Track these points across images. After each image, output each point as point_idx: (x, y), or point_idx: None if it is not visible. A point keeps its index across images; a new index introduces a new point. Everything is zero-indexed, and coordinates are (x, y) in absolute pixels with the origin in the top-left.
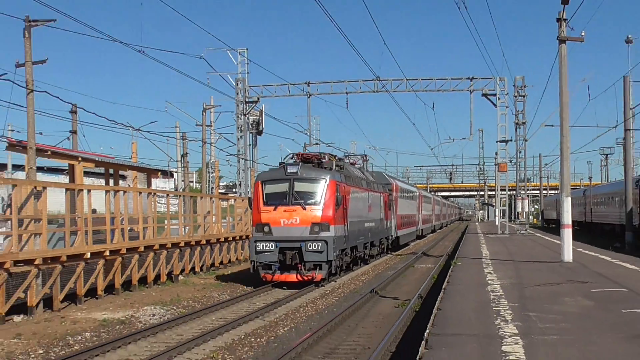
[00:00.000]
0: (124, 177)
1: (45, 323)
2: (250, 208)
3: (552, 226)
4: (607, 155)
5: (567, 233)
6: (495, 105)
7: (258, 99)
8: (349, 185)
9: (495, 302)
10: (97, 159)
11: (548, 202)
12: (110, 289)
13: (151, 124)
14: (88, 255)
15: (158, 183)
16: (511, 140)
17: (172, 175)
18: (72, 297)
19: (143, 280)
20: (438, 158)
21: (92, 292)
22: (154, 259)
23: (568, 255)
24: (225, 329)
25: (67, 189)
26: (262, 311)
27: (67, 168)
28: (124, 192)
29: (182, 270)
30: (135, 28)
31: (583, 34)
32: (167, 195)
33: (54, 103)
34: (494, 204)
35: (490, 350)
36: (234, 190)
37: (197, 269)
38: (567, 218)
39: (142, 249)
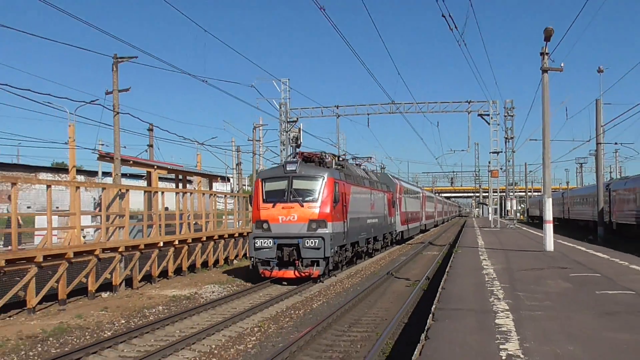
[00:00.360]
0: (190, 182)
1: (127, 298)
2: (251, 205)
3: (536, 222)
4: (581, 164)
5: (549, 227)
6: (488, 124)
7: (297, 119)
8: (349, 183)
9: (490, 283)
10: (169, 167)
11: (532, 202)
12: (178, 271)
13: (212, 139)
14: (161, 244)
15: (217, 186)
16: (501, 152)
17: (228, 180)
18: (148, 278)
19: (205, 264)
20: (441, 166)
21: (163, 274)
22: (214, 247)
23: (550, 246)
24: (270, 304)
25: (145, 191)
26: (300, 288)
27: (145, 174)
28: (190, 193)
29: (237, 256)
30: (200, 62)
31: (562, 65)
32: (225, 196)
33: (135, 122)
34: (487, 204)
35: (486, 322)
36: None
37: (249, 255)
38: (549, 215)
39: (204, 239)
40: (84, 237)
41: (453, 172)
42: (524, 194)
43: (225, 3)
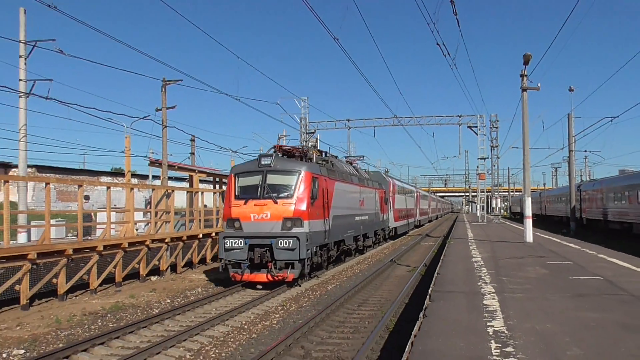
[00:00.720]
0: (225, 183)
1: (171, 281)
2: (224, 202)
3: (518, 217)
4: (556, 168)
5: (529, 222)
6: (476, 134)
7: (315, 130)
8: (332, 179)
9: (478, 269)
10: (208, 172)
11: (514, 200)
12: (215, 258)
13: (243, 148)
14: (200, 235)
15: None
16: (488, 158)
17: None
18: (189, 264)
19: None
20: (437, 170)
21: (202, 261)
22: None
23: (529, 238)
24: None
25: (187, 192)
26: (316, 272)
27: (188, 177)
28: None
29: None
30: (234, 83)
31: (539, 85)
32: None
33: (179, 134)
34: (476, 202)
35: (475, 302)
36: None
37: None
38: (529, 212)
39: None
40: (137, 230)
41: (446, 175)
42: (507, 193)
43: (255, 33)
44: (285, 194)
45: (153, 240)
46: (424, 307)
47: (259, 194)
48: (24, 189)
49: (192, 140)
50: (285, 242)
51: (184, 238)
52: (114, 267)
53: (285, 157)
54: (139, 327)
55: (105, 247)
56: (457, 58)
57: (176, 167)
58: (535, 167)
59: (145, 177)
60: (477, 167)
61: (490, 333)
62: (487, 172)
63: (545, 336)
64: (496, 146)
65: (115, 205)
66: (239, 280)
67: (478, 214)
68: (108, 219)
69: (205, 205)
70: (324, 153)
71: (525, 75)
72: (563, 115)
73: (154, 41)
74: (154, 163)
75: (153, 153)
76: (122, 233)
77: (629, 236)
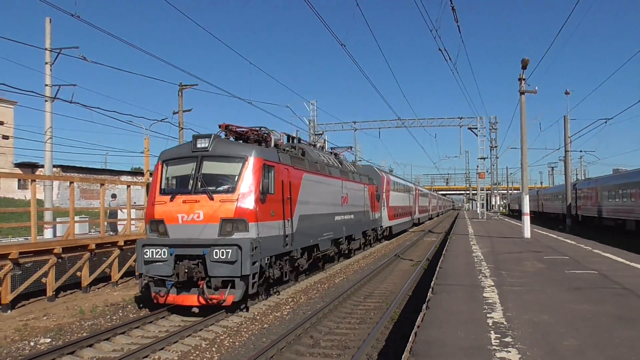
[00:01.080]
0: None
1: None
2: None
3: (516, 214)
4: (552, 167)
5: (527, 219)
6: (476, 135)
7: (323, 132)
8: (299, 169)
9: (478, 264)
10: None
11: (513, 198)
12: None
13: None
14: None
15: None
16: (487, 158)
17: None
18: None
19: None
20: (438, 169)
21: None
22: None
23: (527, 233)
24: (301, 279)
25: None
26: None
27: None
28: None
29: None
30: (246, 87)
31: (536, 88)
32: None
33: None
34: (476, 200)
35: (475, 295)
36: None
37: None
38: (526, 209)
39: None
40: None
41: (448, 174)
42: (505, 191)
43: (267, 40)
44: (226, 187)
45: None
46: (426, 300)
47: (190, 187)
48: (50, 188)
49: None
50: (222, 252)
51: None
52: (134, 261)
53: (229, 140)
54: (158, 317)
55: (125, 242)
56: (458, 63)
57: None
58: (532, 166)
59: None
60: (477, 166)
61: (490, 324)
62: (487, 172)
63: (543, 327)
64: (495, 147)
65: (135, 202)
66: (163, 303)
67: (478, 211)
68: (128, 215)
69: None
70: (293, 139)
71: (523, 79)
72: (559, 117)
73: (171, 48)
74: None
75: None
76: (141, 229)
77: (623, 232)
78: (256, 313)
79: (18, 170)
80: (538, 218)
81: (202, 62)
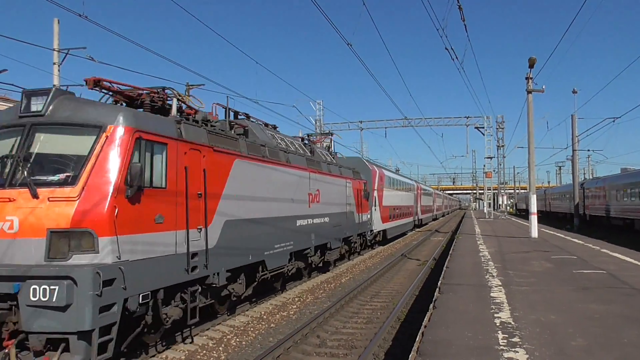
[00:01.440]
0: None
1: None
2: None
3: (523, 214)
4: (560, 167)
5: (534, 218)
6: (483, 134)
7: (329, 131)
8: (228, 153)
9: (485, 263)
10: None
11: (520, 197)
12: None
13: None
14: None
15: None
16: (494, 157)
17: None
18: None
19: None
20: (445, 168)
21: None
22: None
23: (534, 233)
24: (305, 280)
25: None
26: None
27: None
28: None
29: None
30: (253, 87)
31: (544, 87)
32: None
33: None
34: (483, 199)
35: (482, 295)
36: None
37: None
38: (534, 208)
39: None
40: None
41: (455, 173)
42: (513, 191)
43: (273, 40)
44: (63, 175)
45: None
46: (433, 299)
47: (5, 177)
48: None
49: None
50: (44, 290)
51: None
52: None
53: (74, 97)
54: None
55: None
56: (464, 62)
57: None
58: (540, 165)
59: None
60: (484, 165)
61: (497, 324)
62: (494, 171)
63: (550, 327)
64: (502, 146)
65: None
66: None
67: (485, 211)
68: None
69: None
70: (237, 113)
71: (531, 78)
72: (567, 116)
73: (178, 48)
74: None
75: None
76: None
77: (631, 232)
78: (262, 312)
79: None
80: (545, 217)
81: (209, 62)
